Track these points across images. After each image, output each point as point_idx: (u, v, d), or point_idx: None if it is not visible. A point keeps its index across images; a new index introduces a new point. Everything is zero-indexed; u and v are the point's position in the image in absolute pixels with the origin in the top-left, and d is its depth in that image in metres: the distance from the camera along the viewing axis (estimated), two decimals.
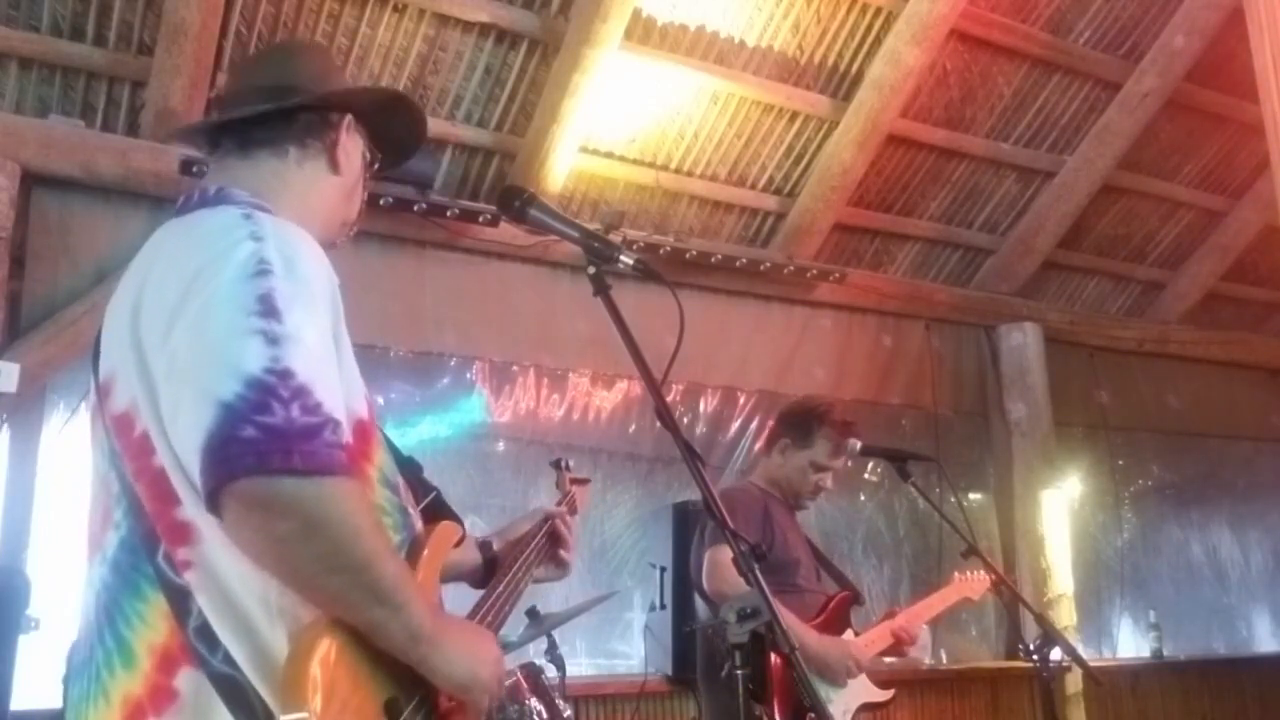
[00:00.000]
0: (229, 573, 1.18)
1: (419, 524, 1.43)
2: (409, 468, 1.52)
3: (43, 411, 3.76)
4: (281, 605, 1.17)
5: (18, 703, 3.02)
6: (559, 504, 1.96)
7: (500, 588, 1.62)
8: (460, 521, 1.50)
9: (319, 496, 1.12)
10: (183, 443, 1.15)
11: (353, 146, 1.53)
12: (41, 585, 3.20)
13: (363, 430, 1.31)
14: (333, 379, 1.22)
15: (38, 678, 3.10)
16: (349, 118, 1.51)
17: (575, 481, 2.07)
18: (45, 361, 3.65)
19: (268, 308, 1.17)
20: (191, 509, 1.18)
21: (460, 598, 1.65)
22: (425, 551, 1.37)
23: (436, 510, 1.51)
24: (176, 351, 1.17)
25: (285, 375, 1.13)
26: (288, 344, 1.15)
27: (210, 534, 1.17)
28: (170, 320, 1.19)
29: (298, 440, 1.11)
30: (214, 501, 1.11)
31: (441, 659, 1.23)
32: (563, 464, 2.11)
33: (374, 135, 1.58)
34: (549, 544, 1.83)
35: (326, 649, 1.15)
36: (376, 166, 1.61)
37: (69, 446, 3.73)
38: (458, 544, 1.49)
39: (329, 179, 1.50)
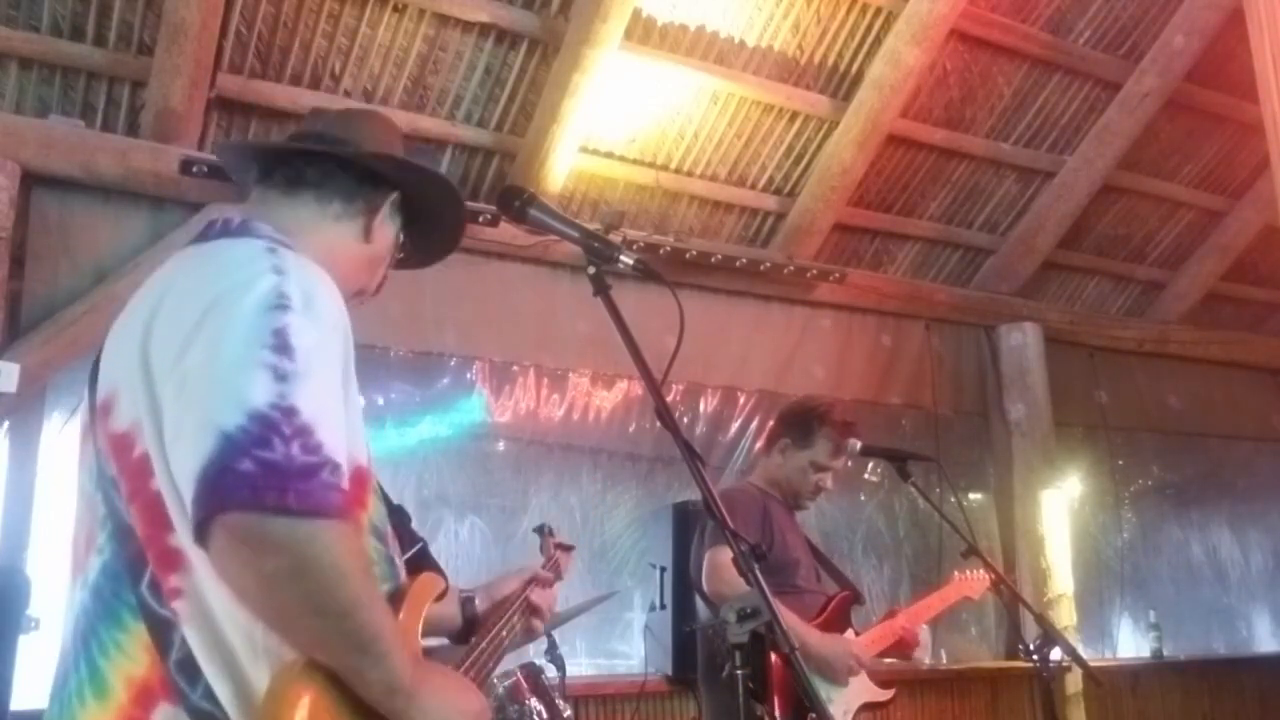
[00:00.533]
0: (217, 605, 1.16)
1: (403, 574, 1.41)
2: (397, 515, 1.52)
3: (43, 411, 3.76)
4: (267, 644, 1.16)
5: (18, 703, 3.02)
6: (544, 568, 1.97)
7: (484, 644, 1.62)
8: (444, 574, 1.50)
9: (310, 538, 1.10)
10: (179, 467, 1.14)
11: (390, 224, 1.54)
12: (41, 585, 3.20)
13: (360, 477, 1.30)
14: (337, 421, 1.20)
15: (38, 678, 3.10)
16: (396, 194, 1.53)
17: (560, 547, 2.10)
18: (45, 361, 3.65)
19: (281, 343, 1.16)
20: (185, 536, 1.16)
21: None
22: (406, 603, 1.36)
23: (421, 561, 1.51)
24: (186, 375, 1.16)
25: (289, 412, 1.12)
26: (296, 381, 1.15)
27: (201, 564, 1.16)
28: (184, 344, 1.18)
29: (295, 479, 1.10)
30: (202, 531, 1.09)
31: (418, 712, 1.20)
32: (546, 530, 2.14)
33: (409, 225, 1.59)
34: (526, 609, 1.82)
35: (304, 692, 1.13)
36: (401, 256, 1.62)
37: (69, 446, 3.72)
38: (440, 597, 1.49)
39: (357, 245, 1.50)
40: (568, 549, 2.11)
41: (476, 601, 1.79)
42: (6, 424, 3.64)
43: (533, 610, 1.82)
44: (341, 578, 1.12)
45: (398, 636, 1.21)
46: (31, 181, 3.73)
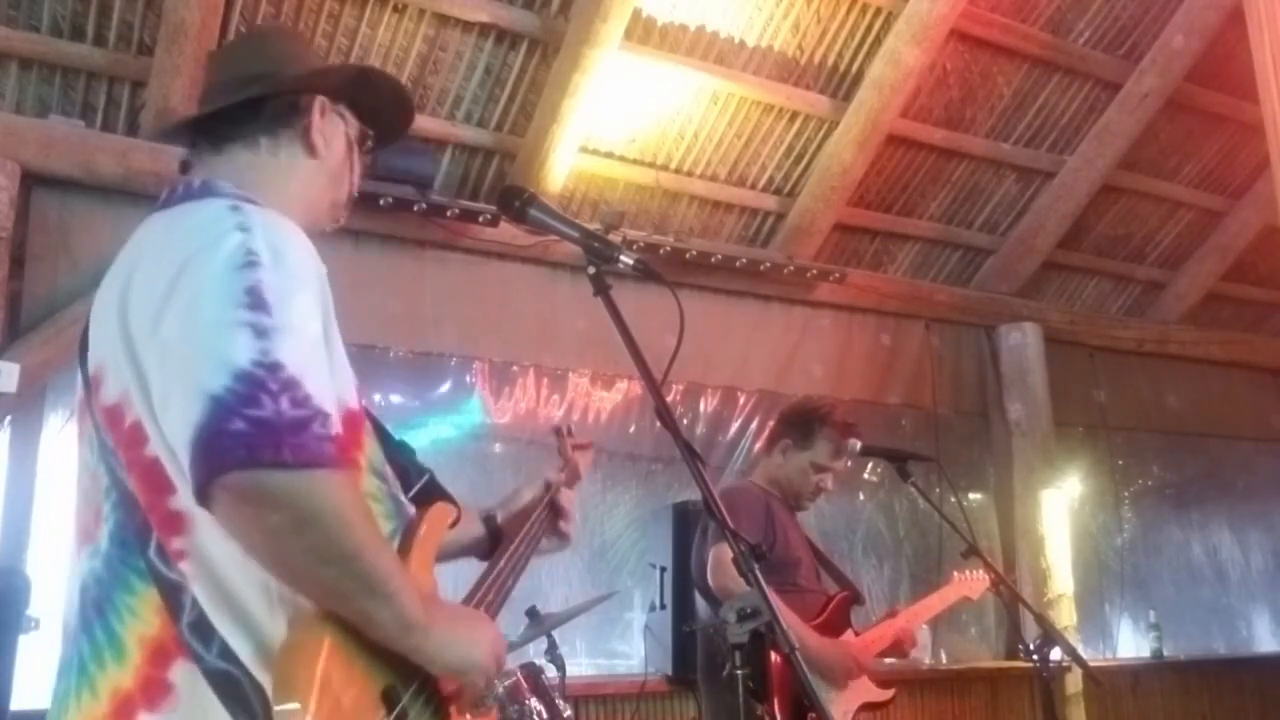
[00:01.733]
0: (226, 561, 1.18)
1: (411, 509, 1.43)
2: (402, 451, 1.52)
3: (43, 411, 3.76)
4: (282, 592, 1.18)
5: (18, 703, 3.02)
6: (560, 470, 1.94)
7: (502, 563, 1.62)
8: (454, 502, 1.50)
9: (309, 489, 1.12)
10: (173, 435, 1.15)
11: (330, 128, 1.51)
12: (41, 585, 3.20)
13: (352, 419, 1.31)
14: (322, 370, 1.22)
15: (38, 678, 3.10)
16: (320, 99, 1.49)
17: (577, 447, 2.04)
18: (45, 361, 3.65)
19: (256, 299, 1.16)
20: (186, 498, 1.17)
21: (466, 571, 1.64)
22: (418, 536, 1.37)
23: (431, 491, 1.51)
24: (166, 343, 1.17)
25: (274, 368, 1.13)
26: (276, 336, 1.15)
27: (204, 522, 1.17)
28: (159, 312, 1.19)
29: (287, 433, 1.11)
30: (204, 495, 1.11)
31: (434, 646, 1.23)
32: (563, 430, 2.07)
33: (361, 113, 1.56)
34: (550, 515, 1.81)
35: (321, 639, 1.15)
36: (371, 144, 1.59)
37: (69, 446, 3.72)
38: (454, 524, 1.49)
39: (308, 163, 1.48)
40: (585, 447, 2.05)
41: (498, 517, 1.79)
42: (7, 424, 3.64)
43: (558, 513, 1.81)
44: (344, 525, 1.14)
45: (405, 575, 1.22)
46: (31, 181, 3.73)
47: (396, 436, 1.53)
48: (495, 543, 1.75)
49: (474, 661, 1.29)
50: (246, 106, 1.44)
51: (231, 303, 1.16)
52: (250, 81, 1.46)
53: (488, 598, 1.54)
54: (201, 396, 1.10)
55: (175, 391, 1.15)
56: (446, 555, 1.47)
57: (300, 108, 1.47)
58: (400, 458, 1.49)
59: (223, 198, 1.33)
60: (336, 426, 1.20)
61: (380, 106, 1.59)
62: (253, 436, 1.09)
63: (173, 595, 1.17)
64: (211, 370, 1.12)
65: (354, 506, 1.17)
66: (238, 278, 1.18)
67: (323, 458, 1.13)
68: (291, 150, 1.47)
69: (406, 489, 1.46)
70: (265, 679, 1.14)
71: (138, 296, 1.23)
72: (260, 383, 1.11)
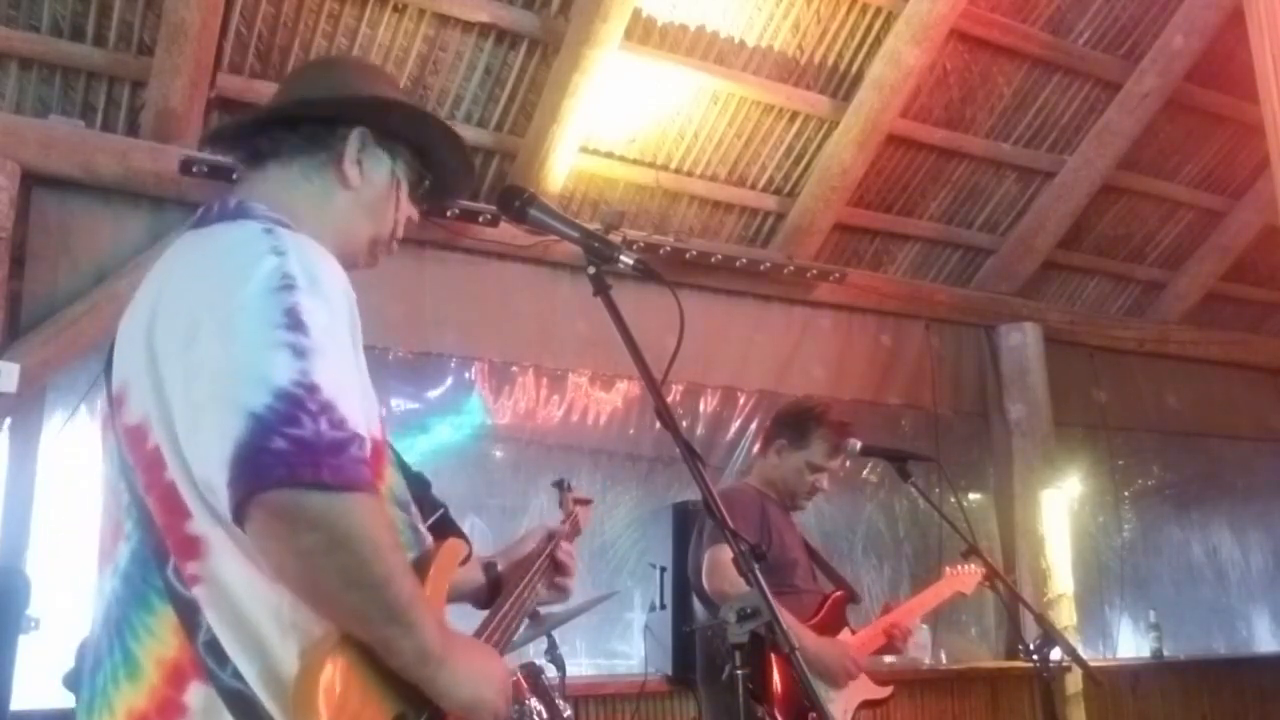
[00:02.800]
0: (239, 587, 1.18)
1: (429, 540, 1.43)
2: (417, 483, 1.52)
3: (43, 411, 3.76)
4: (294, 620, 1.17)
5: (18, 703, 3.02)
6: (563, 523, 1.95)
7: (505, 608, 1.62)
8: (466, 539, 1.50)
9: (345, 511, 1.12)
10: (206, 453, 1.14)
11: (369, 160, 1.47)
12: (41, 585, 3.20)
13: (376, 449, 1.31)
14: (355, 395, 1.22)
15: (38, 678, 3.10)
16: (361, 130, 1.46)
17: (578, 502, 2.07)
18: (45, 361, 3.66)
19: (294, 321, 1.16)
20: (202, 523, 1.18)
21: (464, 617, 1.65)
22: (433, 569, 1.37)
23: (443, 527, 1.51)
24: (199, 363, 1.17)
25: (313, 389, 1.13)
26: (314, 358, 1.15)
27: (220, 548, 1.17)
28: (190, 332, 1.18)
29: (326, 454, 1.11)
30: (240, 511, 1.10)
31: (448, 679, 1.22)
32: (565, 485, 2.11)
33: (425, 160, 1.54)
34: (550, 567, 1.82)
35: (336, 665, 1.15)
36: (427, 190, 1.57)
37: (69, 446, 3.73)
38: (464, 562, 1.49)
39: (341, 193, 1.46)
40: (586, 502, 2.08)
41: (499, 565, 1.79)
42: (7, 424, 3.64)
43: (558, 568, 1.82)
44: (375, 550, 1.14)
45: (426, 606, 1.23)
46: (31, 181, 3.72)
47: (413, 469, 1.53)
48: (494, 592, 1.75)
49: (483, 699, 1.28)
50: (284, 125, 1.43)
51: (270, 324, 1.16)
52: (302, 104, 1.45)
53: (492, 641, 1.54)
54: (242, 414, 1.10)
55: (211, 409, 1.14)
56: (448, 598, 1.46)
57: (337, 135, 1.45)
58: (416, 490, 1.49)
59: (257, 220, 1.33)
60: (369, 451, 1.20)
61: (442, 157, 1.56)
62: (293, 455, 1.09)
63: (189, 614, 1.18)
64: (252, 388, 1.12)
65: (384, 532, 1.18)
66: (276, 299, 1.18)
67: (359, 481, 1.14)
68: (324, 177, 1.45)
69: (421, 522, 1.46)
70: (273, 705, 1.14)
71: (166, 317, 1.23)
72: (300, 402, 1.12)
